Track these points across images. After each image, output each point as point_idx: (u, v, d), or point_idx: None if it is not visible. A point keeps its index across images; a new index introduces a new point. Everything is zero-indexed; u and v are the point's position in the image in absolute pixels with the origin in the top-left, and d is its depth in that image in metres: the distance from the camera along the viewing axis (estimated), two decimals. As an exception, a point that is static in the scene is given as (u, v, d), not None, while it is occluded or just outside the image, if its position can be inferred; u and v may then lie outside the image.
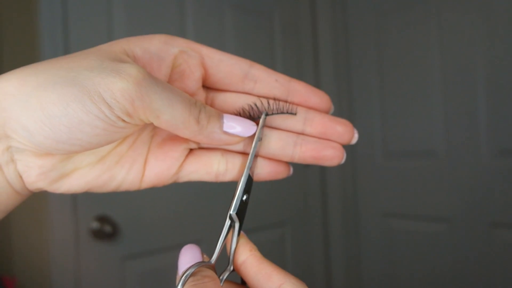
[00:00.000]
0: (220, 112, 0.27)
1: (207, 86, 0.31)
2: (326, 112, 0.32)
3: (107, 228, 1.11)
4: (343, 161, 0.32)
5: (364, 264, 1.63)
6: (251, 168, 0.30)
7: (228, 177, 0.32)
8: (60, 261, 1.08)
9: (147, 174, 0.30)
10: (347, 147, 1.57)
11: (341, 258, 1.67)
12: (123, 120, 0.24)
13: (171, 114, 0.24)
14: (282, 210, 1.55)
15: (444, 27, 1.38)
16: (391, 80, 1.52)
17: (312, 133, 0.32)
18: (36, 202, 1.10)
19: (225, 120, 0.27)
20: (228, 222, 0.29)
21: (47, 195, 1.07)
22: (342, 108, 1.65)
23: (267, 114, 0.30)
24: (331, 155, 0.32)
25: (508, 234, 1.28)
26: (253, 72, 0.30)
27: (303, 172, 1.61)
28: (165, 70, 0.28)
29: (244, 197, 0.29)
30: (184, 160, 0.31)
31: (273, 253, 1.51)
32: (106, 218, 1.12)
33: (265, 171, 0.32)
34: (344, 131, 0.32)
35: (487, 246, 1.32)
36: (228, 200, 1.11)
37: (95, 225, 1.11)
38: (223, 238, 0.28)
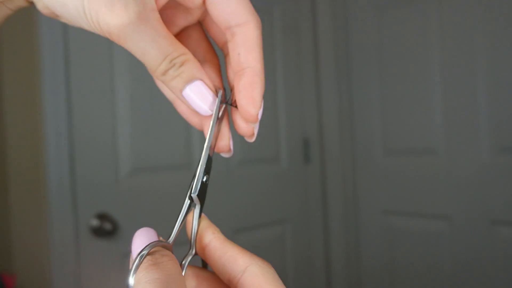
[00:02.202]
0: (193, 78, 0.27)
1: None
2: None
3: (107, 226, 1.10)
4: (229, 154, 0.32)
5: (364, 261, 1.63)
6: (211, 148, 0.29)
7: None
8: (60, 258, 1.08)
9: None
10: (347, 145, 1.56)
11: (341, 255, 1.67)
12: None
13: (141, 58, 0.27)
14: (282, 208, 1.55)
15: (444, 24, 1.38)
16: (391, 77, 1.51)
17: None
18: (35, 199, 1.09)
19: (188, 87, 0.27)
20: (187, 202, 0.28)
21: (46, 192, 1.07)
22: (342, 105, 1.65)
23: (228, 103, 0.30)
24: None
25: (509, 231, 1.28)
26: (236, 31, 0.29)
27: (303, 170, 1.61)
28: None
29: (204, 178, 0.28)
30: None
31: (273, 250, 1.51)
32: (106, 215, 1.12)
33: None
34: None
35: (487, 244, 1.32)
36: (227, 200, 1.12)
37: (95, 222, 1.11)
38: (182, 218, 0.28)
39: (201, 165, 0.28)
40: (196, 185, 0.28)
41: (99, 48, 1.14)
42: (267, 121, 1.50)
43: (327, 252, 1.68)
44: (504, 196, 1.28)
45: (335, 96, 1.65)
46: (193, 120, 0.32)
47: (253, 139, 0.31)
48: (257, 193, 1.46)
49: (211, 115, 0.29)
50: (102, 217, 1.11)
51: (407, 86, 1.47)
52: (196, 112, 0.30)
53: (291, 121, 1.57)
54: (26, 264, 1.11)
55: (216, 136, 0.30)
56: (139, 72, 1.16)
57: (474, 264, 1.35)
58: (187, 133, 1.27)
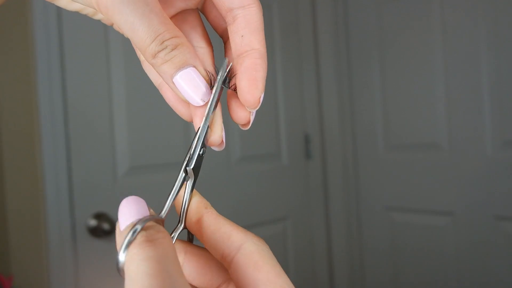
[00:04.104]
0: (185, 64, 0.25)
1: None
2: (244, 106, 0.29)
3: (105, 225, 1.09)
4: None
5: (367, 258, 1.62)
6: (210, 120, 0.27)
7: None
8: (58, 259, 1.06)
9: None
10: (349, 140, 1.54)
11: (343, 252, 1.66)
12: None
13: (130, 35, 0.25)
14: (283, 205, 1.53)
15: (446, 16, 1.35)
16: (393, 71, 1.49)
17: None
18: (32, 199, 1.08)
19: (180, 74, 0.25)
20: (182, 175, 0.26)
21: (43, 192, 1.05)
22: (343, 100, 1.63)
23: (225, 86, 0.28)
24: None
25: (513, 227, 1.27)
26: (238, 13, 0.28)
27: (304, 166, 1.59)
28: None
29: (201, 151, 0.27)
30: None
31: (274, 247, 1.50)
32: (104, 215, 1.11)
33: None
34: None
35: (491, 239, 1.30)
36: (228, 197, 1.09)
37: (92, 222, 1.09)
38: (176, 192, 0.26)
39: (198, 137, 0.27)
40: (193, 157, 0.26)
41: (95, 46, 1.12)
42: (268, 117, 1.48)
43: (329, 248, 1.67)
44: (508, 191, 1.26)
45: (335, 91, 1.63)
46: (180, 109, 0.30)
47: (248, 127, 0.29)
48: (257, 190, 1.44)
49: (202, 105, 0.26)
50: (100, 216, 1.10)
51: (409, 80, 1.45)
52: (185, 102, 0.28)
53: (291, 117, 1.55)
54: (23, 265, 1.10)
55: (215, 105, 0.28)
56: (135, 69, 1.13)
57: (477, 260, 1.33)
58: (185, 131, 1.25)
